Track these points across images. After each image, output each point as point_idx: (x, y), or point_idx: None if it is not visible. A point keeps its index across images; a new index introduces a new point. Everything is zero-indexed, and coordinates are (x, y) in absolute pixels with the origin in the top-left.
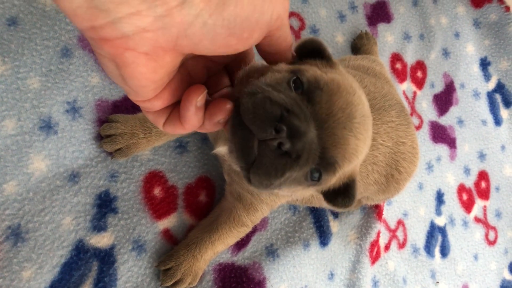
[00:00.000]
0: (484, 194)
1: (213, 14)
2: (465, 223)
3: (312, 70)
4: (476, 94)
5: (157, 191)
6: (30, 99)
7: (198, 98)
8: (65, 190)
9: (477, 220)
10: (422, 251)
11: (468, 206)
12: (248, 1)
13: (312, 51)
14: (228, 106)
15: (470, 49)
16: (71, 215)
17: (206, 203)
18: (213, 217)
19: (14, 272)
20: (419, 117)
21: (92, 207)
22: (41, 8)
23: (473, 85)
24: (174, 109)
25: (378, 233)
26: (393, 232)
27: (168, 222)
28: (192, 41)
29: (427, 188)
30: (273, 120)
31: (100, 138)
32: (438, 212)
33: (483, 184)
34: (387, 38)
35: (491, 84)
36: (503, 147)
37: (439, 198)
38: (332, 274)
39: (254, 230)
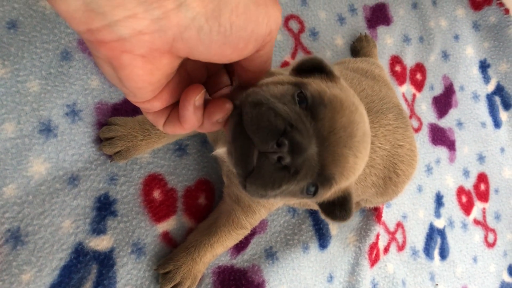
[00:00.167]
0: (484, 196)
1: (209, 19)
2: (464, 226)
3: (315, 84)
4: (476, 97)
5: (156, 194)
6: (30, 102)
7: (196, 98)
8: (65, 193)
9: (476, 222)
10: (421, 254)
11: (467, 208)
12: (243, 10)
13: (312, 67)
14: (227, 105)
15: (470, 52)
16: (71, 218)
17: (205, 206)
18: (212, 219)
19: (14, 275)
20: (419, 119)
21: (91, 210)
22: (41, 11)
23: (472, 88)
24: (174, 109)
25: (377, 236)
26: (392, 235)
27: (168, 225)
28: (188, 45)
29: (426, 191)
30: (276, 134)
31: (100, 141)
32: (437, 215)
33: (482, 187)
34: (387, 41)
35: (491, 87)
36: (502, 149)
37: (438, 201)
38: (331, 277)
39: (253, 233)
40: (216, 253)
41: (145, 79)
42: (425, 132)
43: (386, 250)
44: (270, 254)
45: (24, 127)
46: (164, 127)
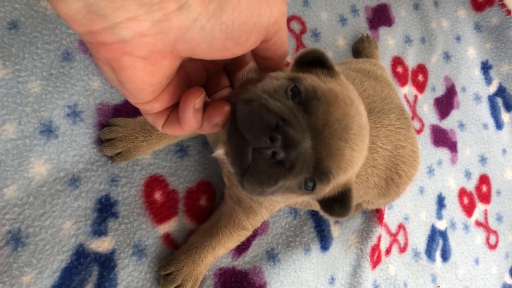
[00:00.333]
0: (485, 198)
1: (211, 18)
2: (466, 227)
3: (310, 79)
4: (477, 98)
5: (157, 195)
6: (31, 103)
7: (196, 101)
8: (66, 194)
9: (478, 224)
10: (423, 255)
11: (469, 210)
12: (245, 6)
13: (313, 61)
14: (226, 108)
15: (471, 53)
16: (72, 219)
17: (206, 207)
18: (213, 221)
19: (14, 277)
20: (420, 120)
21: (92, 211)
22: (42, 12)
23: (474, 89)
24: (173, 110)
25: (379, 237)
26: (394, 236)
27: (169, 226)
28: (190, 45)
29: (428, 192)
30: (268, 129)
31: (101, 142)
32: (439, 216)
33: (484, 188)
34: (388, 42)
35: (492, 88)
36: (504, 151)
37: (440, 202)
38: (333, 279)
39: (255, 234)
40: (218, 254)
41: (146, 81)
42: (427, 134)
43: (388, 251)
44: (272, 256)
45: (25, 128)
46: (163, 128)
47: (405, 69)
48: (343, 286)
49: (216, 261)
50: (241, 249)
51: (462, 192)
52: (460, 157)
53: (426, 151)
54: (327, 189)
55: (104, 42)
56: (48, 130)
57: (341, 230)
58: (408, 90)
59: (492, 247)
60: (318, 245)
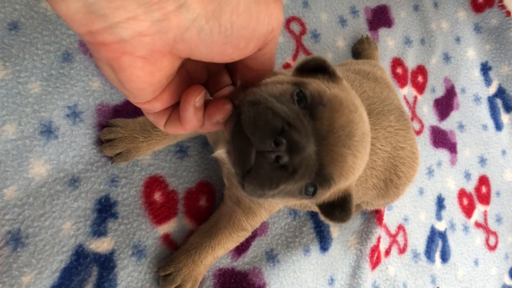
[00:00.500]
0: (485, 199)
1: (210, 19)
2: (465, 228)
3: (315, 84)
4: (477, 99)
5: (157, 196)
6: (31, 103)
7: (196, 99)
8: (65, 195)
9: (478, 225)
10: (422, 256)
11: (468, 211)
12: (243, 9)
13: (315, 67)
14: (227, 106)
15: (471, 54)
16: (71, 220)
17: (206, 208)
18: (213, 222)
19: (14, 277)
20: (420, 121)
21: (92, 212)
22: (42, 13)
23: (473, 90)
24: (175, 109)
25: (379, 238)
26: (393, 237)
27: (168, 227)
28: (189, 45)
29: (427, 193)
30: (273, 133)
31: (101, 142)
32: (439, 217)
33: (483, 189)
34: (388, 43)
35: (492, 89)
36: (503, 152)
37: (440, 203)
38: (332, 280)
39: (254, 235)
40: (217, 255)
41: (146, 80)
42: (426, 135)
43: (387, 252)
44: (271, 257)
45: (25, 128)
46: (165, 128)
47: (405, 70)
48: (342, 287)
49: (216, 262)
50: (241, 249)
51: (462, 193)
52: (459, 158)
53: (426, 152)
54: (327, 194)
55: (103, 42)
56: (48, 131)
57: (340, 231)
58: (408, 91)
59: (492, 248)
60: (317, 246)
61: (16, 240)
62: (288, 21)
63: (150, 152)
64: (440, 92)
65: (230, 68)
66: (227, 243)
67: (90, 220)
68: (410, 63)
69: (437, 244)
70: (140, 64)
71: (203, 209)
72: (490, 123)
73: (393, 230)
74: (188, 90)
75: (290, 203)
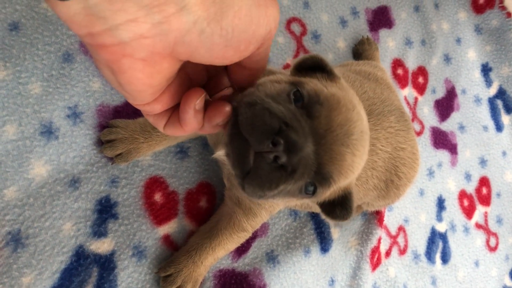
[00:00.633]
0: (485, 200)
1: (211, 22)
2: (466, 229)
3: (312, 83)
4: (478, 100)
5: (157, 197)
6: (31, 104)
7: (196, 102)
8: (66, 195)
9: (478, 226)
10: (423, 258)
11: (469, 212)
12: (245, 13)
13: (312, 66)
14: (227, 109)
15: (472, 55)
16: (72, 220)
17: (206, 209)
18: (213, 222)
19: (14, 278)
20: (421, 122)
21: (92, 212)
22: (43, 13)
23: (474, 91)
24: (174, 111)
25: (379, 239)
26: (394, 238)
27: (169, 228)
28: (190, 48)
29: (428, 194)
30: (271, 133)
31: (101, 143)
32: (439, 218)
33: (484, 190)
34: (389, 44)
35: (493, 90)
36: (504, 153)
37: (440, 204)
38: (332, 281)
39: (255, 236)
40: (218, 256)
41: (146, 82)
42: (427, 136)
43: (388, 254)
44: (272, 258)
45: (26, 129)
46: (164, 129)
47: (406, 71)
48: None
49: (216, 263)
50: (241, 250)
51: (462, 194)
52: (460, 159)
53: (426, 153)
54: (327, 193)
55: (103, 44)
56: (48, 131)
57: (341, 232)
58: (409, 92)
59: (492, 249)
60: (318, 247)
61: (16, 240)
62: (288, 22)
63: (151, 152)
64: (440, 93)
65: (230, 70)
66: (227, 244)
67: (90, 221)
68: (411, 64)
69: (437, 245)
70: (140, 66)
71: (204, 210)
72: (490, 124)
73: (393, 231)
74: (188, 93)
75: (291, 203)
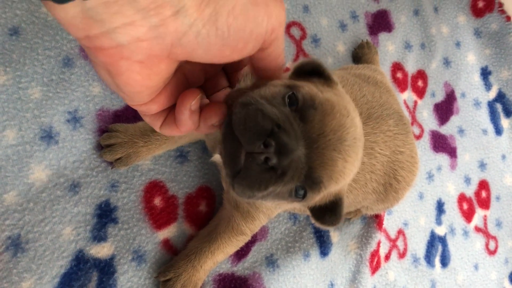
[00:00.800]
0: (485, 203)
1: (206, 23)
2: (465, 233)
3: (308, 87)
4: (477, 104)
5: (157, 201)
6: (31, 109)
7: (192, 102)
8: (66, 200)
9: (478, 229)
10: (422, 261)
11: (468, 215)
12: (240, 11)
13: (311, 71)
14: (223, 109)
15: (471, 59)
16: (71, 225)
17: (206, 213)
18: (212, 226)
19: (14, 283)
20: (420, 126)
21: (92, 217)
22: (43, 18)
23: (473, 95)
24: (171, 112)
25: (379, 243)
26: (393, 242)
27: (168, 232)
28: (187, 50)
29: (427, 198)
30: (262, 134)
31: (101, 147)
32: (439, 222)
33: (483, 194)
34: (388, 47)
35: (492, 94)
36: (503, 157)
37: (440, 208)
38: (332, 284)
39: (254, 240)
40: (217, 260)
41: (143, 84)
42: (426, 139)
43: (387, 257)
44: (271, 262)
45: (26, 134)
46: (161, 129)
47: (405, 74)
48: None
49: (216, 267)
50: (241, 254)
51: (462, 198)
52: (459, 163)
53: (426, 156)
54: (317, 198)
55: (101, 47)
56: (48, 136)
57: (340, 236)
58: (408, 95)
59: (492, 252)
60: (317, 251)
61: (16, 245)
62: (288, 26)
63: (150, 157)
64: (440, 97)
65: (228, 70)
66: (226, 247)
67: (90, 225)
68: (410, 68)
69: (437, 248)
70: (137, 68)
71: (203, 214)
72: (490, 127)
73: (393, 234)
74: (184, 94)
75: (289, 206)
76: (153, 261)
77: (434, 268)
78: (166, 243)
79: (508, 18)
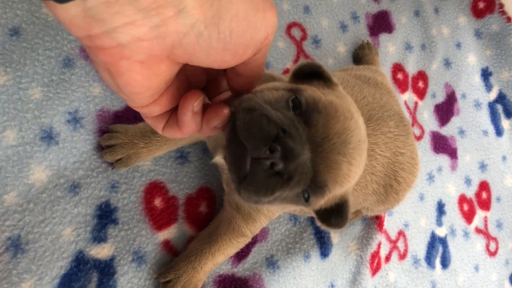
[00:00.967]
0: (485, 204)
1: (208, 25)
2: (466, 234)
3: (311, 90)
4: (478, 105)
5: (157, 202)
6: (32, 109)
7: (194, 104)
8: (66, 201)
9: (478, 231)
10: (422, 262)
11: (469, 216)
12: (243, 17)
13: (310, 73)
14: (225, 111)
15: (472, 60)
16: (71, 226)
17: (206, 214)
18: (213, 227)
19: (14, 284)
20: (420, 127)
21: (92, 218)
22: (44, 18)
23: (474, 96)
24: (173, 114)
25: (379, 244)
26: (393, 243)
27: (169, 233)
28: (187, 51)
29: (428, 199)
30: (268, 140)
31: (101, 148)
32: (439, 223)
33: (484, 195)
34: (389, 48)
35: (492, 95)
36: (504, 158)
37: (440, 209)
38: (332, 286)
39: (255, 241)
40: (217, 261)
41: (143, 85)
42: (427, 140)
43: (388, 258)
44: (271, 263)
45: (26, 134)
46: (163, 131)
47: (406, 75)
48: None
49: (216, 268)
50: (241, 256)
51: (462, 199)
52: (460, 164)
53: (426, 157)
54: (322, 201)
55: (102, 47)
56: (48, 137)
57: (340, 237)
58: (409, 96)
59: (492, 254)
60: (317, 252)
61: (16, 246)
62: (289, 27)
63: (151, 157)
64: (440, 98)
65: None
66: (227, 249)
67: (90, 226)
68: (411, 69)
69: (437, 250)
70: (138, 69)
71: (204, 215)
72: (490, 128)
73: (393, 236)
74: (186, 95)
75: (289, 208)
76: (153, 262)
77: (435, 269)
78: (167, 244)
79: (508, 19)
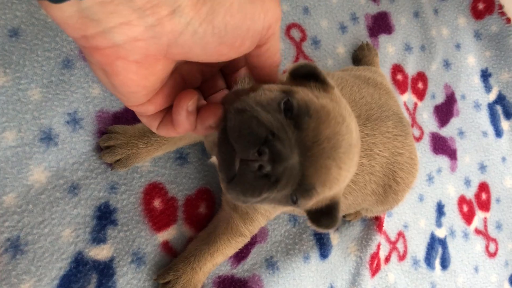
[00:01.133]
0: (485, 205)
1: (203, 22)
2: (465, 235)
3: (304, 93)
4: (477, 106)
5: (157, 203)
6: (31, 110)
7: (189, 103)
8: (65, 202)
9: (478, 232)
10: (422, 263)
11: (468, 217)
12: (237, 9)
13: (307, 74)
14: (220, 111)
15: (471, 61)
16: (71, 227)
17: (206, 215)
18: (211, 228)
19: (13, 285)
20: (420, 128)
21: (91, 219)
22: (43, 19)
23: (474, 97)
24: (168, 113)
25: (378, 245)
26: (393, 244)
27: (168, 234)
28: (183, 49)
29: (427, 200)
30: (257, 142)
31: (100, 149)
32: (439, 224)
33: (483, 196)
34: (388, 49)
35: (492, 96)
36: (503, 159)
37: (440, 210)
38: (332, 287)
39: (254, 242)
40: (216, 262)
41: (139, 84)
42: (426, 141)
43: (387, 259)
44: (271, 264)
45: (25, 135)
46: (158, 130)
47: (405, 76)
48: None
49: (215, 269)
50: (240, 257)
51: (462, 200)
52: (459, 165)
53: (426, 158)
54: (311, 203)
55: (97, 47)
56: (47, 138)
57: (340, 238)
58: (408, 97)
59: (492, 255)
60: (317, 253)
61: (15, 247)
62: (288, 28)
63: (150, 158)
64: (440, 99)
65: (225, 72)
66: (226, 249)
67: (89, 227)
68: (410, 70)
69: (437, 251)
70: (134, 69)
71: (203, 216)
72: (490, 129)
73: (393, 237)
74: (181, 94)
75: (287, 209)
76: (153, 263)
77: (434, 271)
78: (166, 245)
79: (508, 20)
